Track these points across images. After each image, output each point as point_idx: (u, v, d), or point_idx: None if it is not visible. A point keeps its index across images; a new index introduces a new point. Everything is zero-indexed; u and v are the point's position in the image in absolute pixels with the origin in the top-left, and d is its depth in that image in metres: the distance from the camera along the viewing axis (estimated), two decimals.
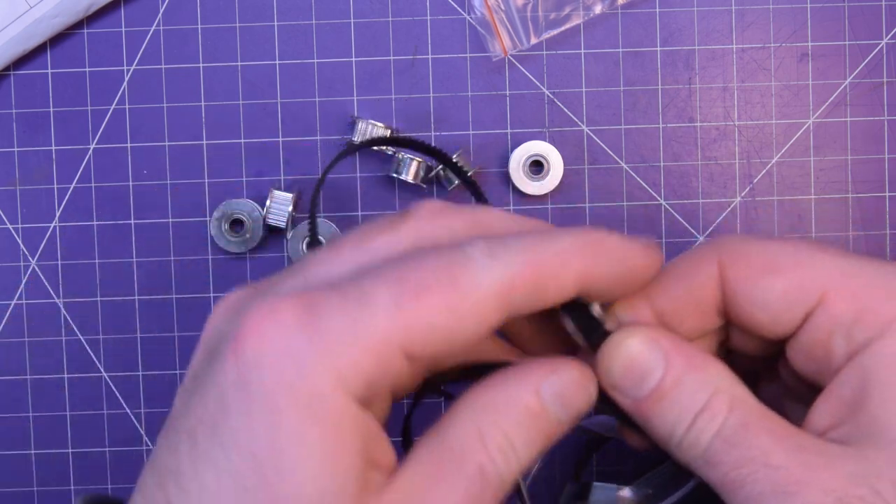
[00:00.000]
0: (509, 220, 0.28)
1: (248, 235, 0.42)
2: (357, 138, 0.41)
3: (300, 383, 0.23)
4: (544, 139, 0.43)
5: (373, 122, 0.41)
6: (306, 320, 0.24)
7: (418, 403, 0.31)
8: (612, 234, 0.26)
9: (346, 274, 0.25)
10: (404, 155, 0.42)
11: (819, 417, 0.26)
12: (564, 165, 0.43)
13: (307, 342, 0.23)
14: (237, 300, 0.26)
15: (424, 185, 0.42)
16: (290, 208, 0.42)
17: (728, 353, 0.31)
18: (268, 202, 0.42)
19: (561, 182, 0.43)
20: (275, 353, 0.23)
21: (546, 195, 0.43)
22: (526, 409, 0.26)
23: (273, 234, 0.43)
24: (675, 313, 0.28)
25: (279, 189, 0.42)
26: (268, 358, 0.23)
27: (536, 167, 0.43)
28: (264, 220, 0.42)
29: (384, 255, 0.26)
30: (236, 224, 0.43)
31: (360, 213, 0.43)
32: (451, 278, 0.24)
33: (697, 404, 0.26)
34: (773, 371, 0.30)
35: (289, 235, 0.42)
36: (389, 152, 0.42)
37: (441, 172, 0.42)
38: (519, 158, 0.42)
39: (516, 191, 0.43)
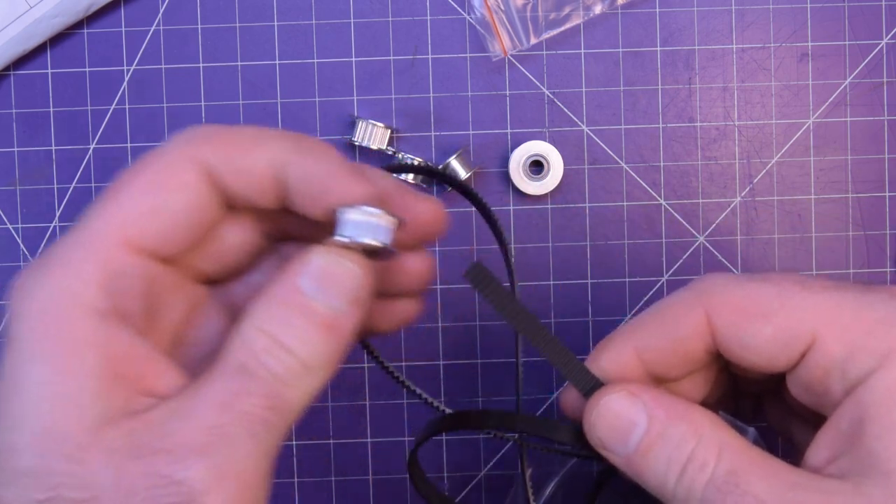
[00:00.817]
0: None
1: None
2: (357, 138, 0.41)
3: (30, 309, 0.24)
4: (544, 139, 0.43)
5: (373, 121, 0.41)
6: (40, 262, 0.25)
7: (423, 441, 0.31)
8: (318, 143, 0.28)
9: None
10: (404, 155, 0.42)
11: (818, 450, 0.26)
12: (564, 165, 0.43)
13: (38, 274, 0.25)
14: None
15: (425, 185, 0.42)
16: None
17: (731, 377, 0.31)
18: None
19: (561, 182, 0.43)
20: (17, 295, 0.25)
21: (546, 195, 0.43)
22: (288, 305, 0.25)
23: None
24: (664, 363, 0.29)
25: None
26: (13, 300, 0.25)
27: (536, 167, 0.43)
28: None
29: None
30: None
31: None
32: (147, 164, 0.26)
33: (684, 455, 0.26)
34: (778, 392, 0.30)
35: None
36: (389, 152, 0.42)
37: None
38: (519, 158, 0.42)
39: (516, 191, 0.43)
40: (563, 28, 0.42)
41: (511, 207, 0.43)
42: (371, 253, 0.26)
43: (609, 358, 0.29)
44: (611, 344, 0.29)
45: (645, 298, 0.43)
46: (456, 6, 0.43)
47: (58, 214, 0.43)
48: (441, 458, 0.43)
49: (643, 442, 0.27)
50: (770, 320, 0.27)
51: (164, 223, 0.26)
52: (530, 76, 0.43)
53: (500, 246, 0.33)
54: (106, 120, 0.43)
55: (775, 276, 0.28)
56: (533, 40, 0.42)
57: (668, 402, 0.27)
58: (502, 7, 0.42)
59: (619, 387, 0.28)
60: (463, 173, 0.42)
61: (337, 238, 0.26)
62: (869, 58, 0.43)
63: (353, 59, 0.43)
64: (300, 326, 0.25)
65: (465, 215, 0.43)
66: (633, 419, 0.27)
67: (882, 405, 0.25)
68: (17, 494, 0.23)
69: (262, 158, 0.26)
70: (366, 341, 0.31)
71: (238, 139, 0.27)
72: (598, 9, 0.42)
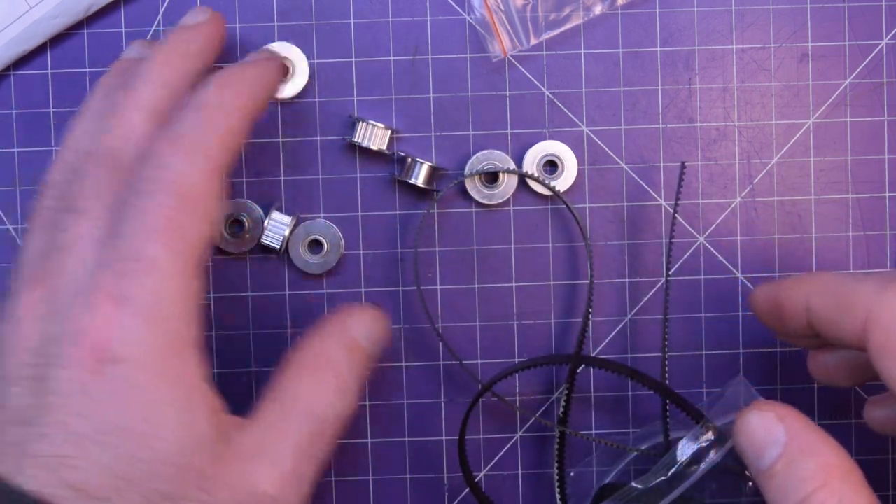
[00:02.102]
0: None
1: (247, 236, 0.42)
2: (357, 138, 0.41)
3: (154, 364, 0.30)
4: (544, 139, 0.43)
5: (373, 122, 0.41)
6: (133, 309, 0.30)
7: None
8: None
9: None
10: (415, 158, 0.42)
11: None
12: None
13: (145, 332, 0.30)
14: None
15: (437, 190, 0.42)
16: (287, 232, 0.42)
17: None
18: (266, 221, 0.42)
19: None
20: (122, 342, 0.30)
21: (542, 196, 0.43)
22: (349, 353, 0.34)
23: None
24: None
25: (280, 210, 0.42)
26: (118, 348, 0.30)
27: (551, 167, 0.43)
28: (260, 237, 0.42)
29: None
30: (235, 224, 0.43)
31: (359, 213, 0.43)
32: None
33: (803, 493, 0.28)
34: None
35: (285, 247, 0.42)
36: (389, 153, 0.42)
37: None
38: (532, 159, 0.42)
39: (528, 191, 0.43)
40: (563, 28, 0.42)
41: (511, 208, 0.43)
42: None
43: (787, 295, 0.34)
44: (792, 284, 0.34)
45: (645, 298, 0.43)
46: (456, 6, 0.43)
47: None
48: (441, 457, 0.43)
49: (775, 463, 0.29)
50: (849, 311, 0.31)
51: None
52: (530, 76, 0.43)
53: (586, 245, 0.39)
54: None
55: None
56: (533, 41, 0.42)
57: (807, 435, 0.30)
58: (502, 7, 0.42)
59: (770, 406, 0.31)
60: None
61: None
62: (869, 58, 0.43)
63: (353, 59, 0.43)
64: (355, 369, 0.36)
65: (466, 215, 0.43)
66: (772, 439, 0.30)
67: None
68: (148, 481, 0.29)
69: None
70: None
71: None
72: (598, 9, 0.42)
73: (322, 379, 0.33)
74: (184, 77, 0.35)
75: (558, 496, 0.41)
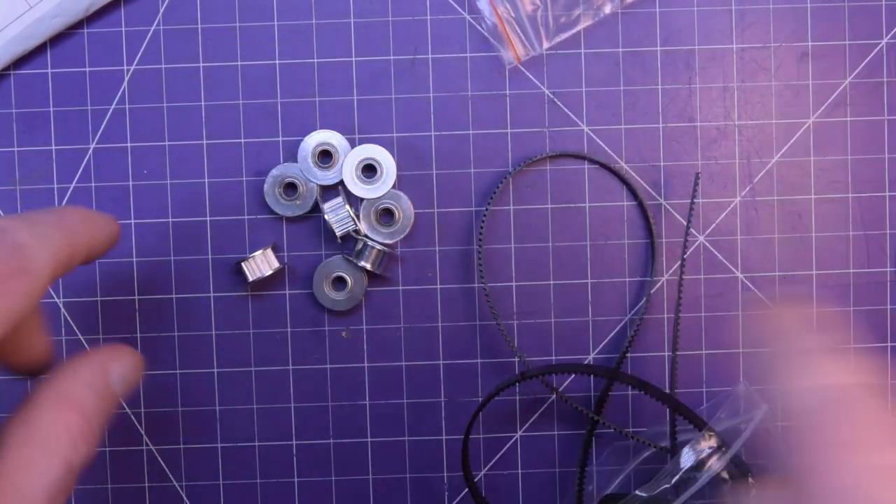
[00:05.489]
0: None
1: (298, 202, 0.42)
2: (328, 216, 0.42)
3: None
4: (544, 139, 0.43)
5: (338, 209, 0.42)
6: None
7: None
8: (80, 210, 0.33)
9: None
10: (367, 240, 0.42)
11: None
12: (564, 165, 0.43)
13: None
14: None
15: (387, 275, 0.42)
16: (270, 272, 0.42)
17: None
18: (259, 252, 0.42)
19: (560, 182, 0.43)
20: None
21: (546, 196, 0.43)
22: (97, 392, 0.31)
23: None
24: None
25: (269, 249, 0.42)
26: None
27: (369, 171, 0.42)
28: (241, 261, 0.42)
29: None
30: (290, 188, 0.42)
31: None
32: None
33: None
34: None
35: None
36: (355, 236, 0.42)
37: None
38: (352, 162, 0.42)
39: (517, 194, 0.43)
40: (574, 31, 0.42)
41: (511, 207, 0.43)
42: None
43: None
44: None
45: (645, 298, 0.43)
46: (456, 6, 0.43)
47: None
48: (441, 457, 0.43)
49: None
50: None
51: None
52: (530, 76, 0.43)
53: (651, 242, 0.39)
54: (106, 120, 0.43)
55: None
56: (545, 44, 0.42)
57: None
58: (512, 14, 0.42)
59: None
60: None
61: None
62: (869, 58, 0.43)
63: (353, 58, 0.43)
64: (101, 406, 0.31)
65: (465, 214, 0.43)
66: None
67: None
68: None
69: None
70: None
71: None
72: (607, 9, 0.42)
73: (70, 420, 0.30)
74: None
75: (576, 489, 0.41)
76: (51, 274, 0.29)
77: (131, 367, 0.32)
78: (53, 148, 0.43)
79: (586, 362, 0.43)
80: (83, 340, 0.43)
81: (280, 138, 0.43)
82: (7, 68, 0.42)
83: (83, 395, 0.30)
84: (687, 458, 0.36)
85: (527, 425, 0.43)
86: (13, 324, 0.28)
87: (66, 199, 0.43)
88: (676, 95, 0.43)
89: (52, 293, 0.43)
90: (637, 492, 0.36)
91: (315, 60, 0.43)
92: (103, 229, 0.34)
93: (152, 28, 0.43)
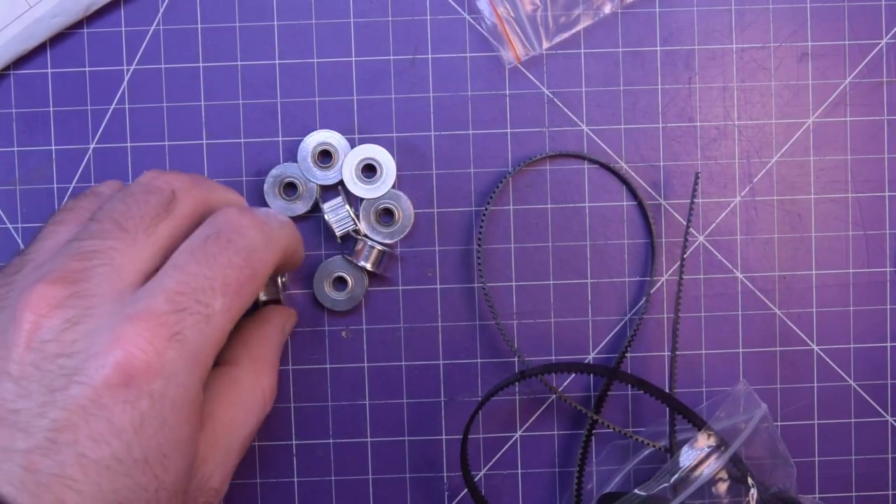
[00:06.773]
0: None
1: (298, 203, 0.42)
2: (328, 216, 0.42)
3: (184, 401, 0.30)
4: (544, 139, 0.43)
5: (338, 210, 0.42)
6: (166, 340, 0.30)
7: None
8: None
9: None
10: (367, 240, 0.42)
11: None
12: (564, 165, 0.43)
13: (179, 360, 0.30)
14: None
15: (387, 275, 0.42)
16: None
17: None
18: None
19: (560, 181, 0.43)
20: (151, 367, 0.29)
21: (546, 195, 0.43)
22: (278, 342, 0.39)
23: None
24: None
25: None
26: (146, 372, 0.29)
27: (369, 171, 0.42)
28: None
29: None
30: (289, 188, 0.42)
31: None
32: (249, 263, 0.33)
33: None
34: None
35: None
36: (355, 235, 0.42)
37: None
38: (351, 163, 0.42)
39: (517, 194, 0.43)
40: (574, 30, 0.42)
41: (511, 207, 0.43)
42: None
43: None
44: None
45: (645, 298, 0.43)
46: (456, 6, 0.43)
47: None
48: (441, 457, 0.43)
49: None
50: None
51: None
52: (530, 76, 0.43)
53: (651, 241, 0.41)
54: (106, 120, 0.43)
55: None
56: (545, 44, 0.42)
57: None
58: (512, 14, 0.42)
59: None
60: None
61: None
62: (869, 58, 0.43)
63: (353, 58, 0.43)
64: (279, 351, 0.41)
65: (465, 214, 0.43)
66: None
67: None
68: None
69: None
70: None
71: None
72: (607, 8, 0.42)
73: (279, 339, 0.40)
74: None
75: (575, 488, 0.41)
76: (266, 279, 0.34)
77: (293, 325, 0.41)
78: (53, 148, 0.43)
79: (586, 362, 0.43)
80: None
81: (280, 138, 0.43)
82: (7, 68, 0.42)
83: (269, 343, 0.38)
84: (686, 458, 0.36)
85: (526, 425, 0.43)
86: (239, 316, 0.32)
87: (65, 198, 0.43)
88: (676, 95, 0.43)
89: None
90: (636, 491, 0.36)
91: (315, 60, 0.43)
92: (300, 253, 0.38)
93: (152, 28, 0.43)
